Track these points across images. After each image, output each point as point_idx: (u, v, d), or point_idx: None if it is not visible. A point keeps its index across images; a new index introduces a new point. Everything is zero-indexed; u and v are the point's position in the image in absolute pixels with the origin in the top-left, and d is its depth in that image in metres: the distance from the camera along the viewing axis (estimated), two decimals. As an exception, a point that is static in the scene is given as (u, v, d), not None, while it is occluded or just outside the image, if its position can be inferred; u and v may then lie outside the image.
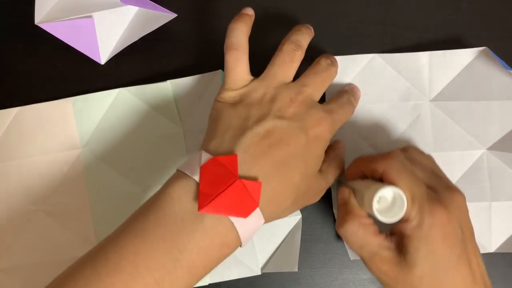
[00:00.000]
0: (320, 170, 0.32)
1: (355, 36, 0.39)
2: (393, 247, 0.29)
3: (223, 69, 0.37)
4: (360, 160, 0.32)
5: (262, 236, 0.36)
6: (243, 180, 0.25)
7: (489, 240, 0.36)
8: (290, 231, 0.37)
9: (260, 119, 0.28)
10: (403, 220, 0.28)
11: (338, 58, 0.37)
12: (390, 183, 0.28)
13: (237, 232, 0.25)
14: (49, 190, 0.37)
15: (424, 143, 0.37)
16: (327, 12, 0.39)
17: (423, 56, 0.37)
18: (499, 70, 0.37)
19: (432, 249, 0.27)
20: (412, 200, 0.27)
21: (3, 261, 0.36)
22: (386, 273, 0.29)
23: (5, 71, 0.38)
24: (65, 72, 0.38)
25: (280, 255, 0.36)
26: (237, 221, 0.25)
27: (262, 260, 0.36)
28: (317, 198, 0.33)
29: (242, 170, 0.26)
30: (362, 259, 0.30)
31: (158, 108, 0.37)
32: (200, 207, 0.24)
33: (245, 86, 0.30)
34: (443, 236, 0.27)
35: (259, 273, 0.36)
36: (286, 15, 0.39)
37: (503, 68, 0.36)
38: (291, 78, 0.31)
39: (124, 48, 0.38)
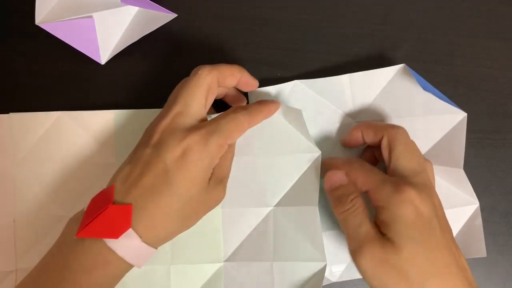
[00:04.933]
0: (216, 179, 0.31)
1: (355, 36, 0.39)
2: None
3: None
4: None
5: None
6: (115, 205, 0.27)
7: None
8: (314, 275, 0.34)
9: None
10: None
11: (263, 89, 0.36)
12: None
13: (115, 252, 0.27)
14: (78, 197, 0.36)
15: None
16: (327, 12, 0.39)
17: (344, 79, 0.37)
18: (417, 87, 0.36)
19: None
20: None
21: (22, 261, 0.36)
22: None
23: (5, 71, 0.38)
24: (65, 72, 0.38)
25: None
26: (111, 242, 0.27)
27: None
28: (216, 205, 0.32)
29: (118, 198, 0.28)
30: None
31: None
32: (77, 233, 0.27)
33: None
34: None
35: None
36: (287, 15, 0.39)
37: (419, 85, 0.35)
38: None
39: (124, 48, 0.38)
